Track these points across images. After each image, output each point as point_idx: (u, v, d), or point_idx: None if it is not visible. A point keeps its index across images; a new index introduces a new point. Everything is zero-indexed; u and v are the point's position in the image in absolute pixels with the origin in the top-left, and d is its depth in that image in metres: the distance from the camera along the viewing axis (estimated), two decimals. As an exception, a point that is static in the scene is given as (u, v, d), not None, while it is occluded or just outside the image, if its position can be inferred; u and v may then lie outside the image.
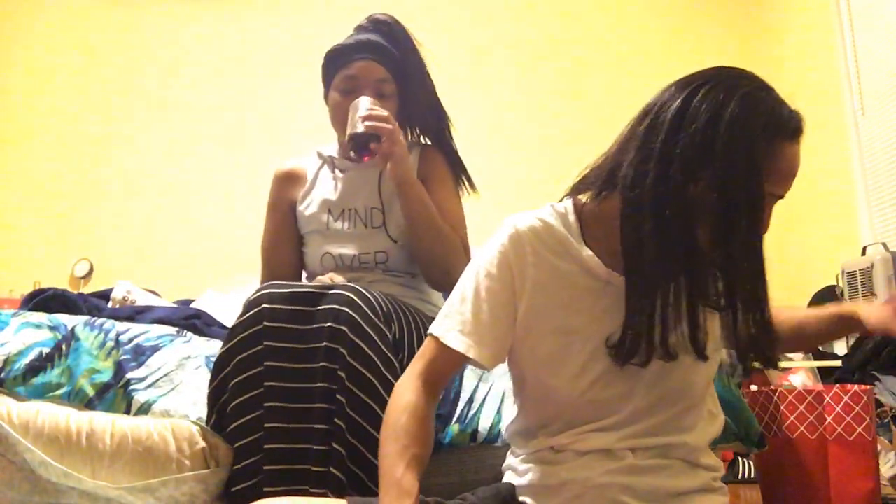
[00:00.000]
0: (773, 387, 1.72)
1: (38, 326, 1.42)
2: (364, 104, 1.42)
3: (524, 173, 3.98)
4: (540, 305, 0.98)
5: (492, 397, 1.38)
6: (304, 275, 1.63)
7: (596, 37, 4.19)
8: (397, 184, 1.43)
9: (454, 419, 1.34)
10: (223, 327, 1.61)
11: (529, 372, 1.02)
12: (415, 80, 1.57)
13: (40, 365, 1.36)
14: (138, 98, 4.23)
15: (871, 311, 1.06)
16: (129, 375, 1.37)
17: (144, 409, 1.33)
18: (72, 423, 1.17)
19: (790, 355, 2.76)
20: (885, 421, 2.03)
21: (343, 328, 1.15)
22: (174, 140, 4.18)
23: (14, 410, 1.16)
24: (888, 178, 3.05)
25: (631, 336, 0.91)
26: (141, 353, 1.42)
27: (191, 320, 1.62)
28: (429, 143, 1.63)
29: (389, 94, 1.53)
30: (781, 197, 0.93)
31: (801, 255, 3.51)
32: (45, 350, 1.38)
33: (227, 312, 1.60)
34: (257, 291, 1.24)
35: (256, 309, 1.20)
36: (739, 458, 2.28)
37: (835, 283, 3.06)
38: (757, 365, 0.97)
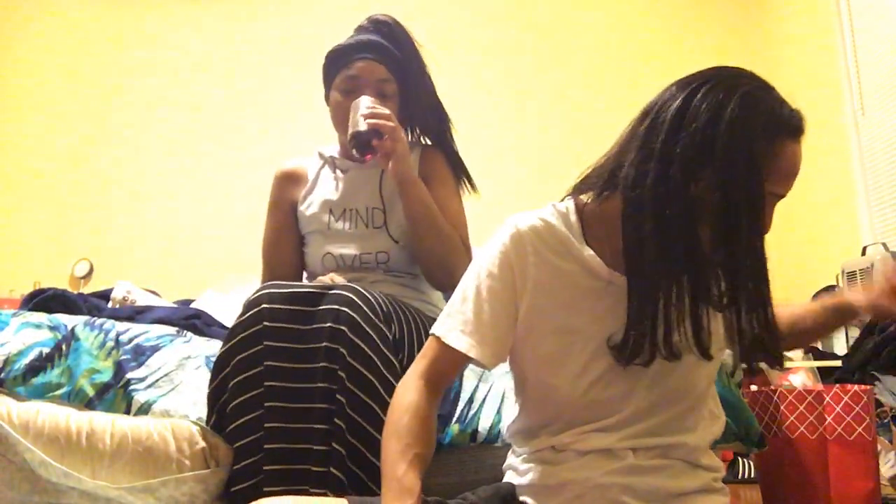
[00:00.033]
0: (773, 387, 1.72)
1: (38, 326, 1.42)
2: (365, 103, 1.42)
3: (525, 173, 3.98)
4: (541, 305, 0.98)
5: (492, 397, 1.38)
6: (305, 275, 1.63)
7: (597, 38, 4.19)
8: (399, 182, 1.43)
9: (454, 419, 1.34)
10: (223, 327, 1.61)
11: (530, 372, 1.02)
12: (416, 81, 1.57)
13: (40, 365, 1.36)
14: (138, 98, 4.23)
15: (861, 296, 1.07)
16: (129, 375, 1.37)
17: (144, 409, 1.33)
18: (72, 423, 1.17)
19: (789, 354, 2.76)
20: (885, 421, 2.03)
21: (343, 328, 1.15)
22: (174, 140, 4.18)
23: (14, 410, 1.16)
24: (888, 178, 3.05)
25: (634, 336, 0.91)
26: (141, 353, 1.42)
27: (191, 320, 1.62)
28: (429, 143, 1.63)
29: (390, 94, 1.53)
30: (783, 196, 0.93)
31: (801, 255, 3.52)
32: (45, 350, 1.38)
33: (227, 312, 1.59)
34: (257, 291, 1.24)
35: (256, 309, 1.20)
36: (739, 458, 2.28)
37: (835, 283, 3.06)
38: (763, 366, 0.97)
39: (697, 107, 0.88)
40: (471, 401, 1.37)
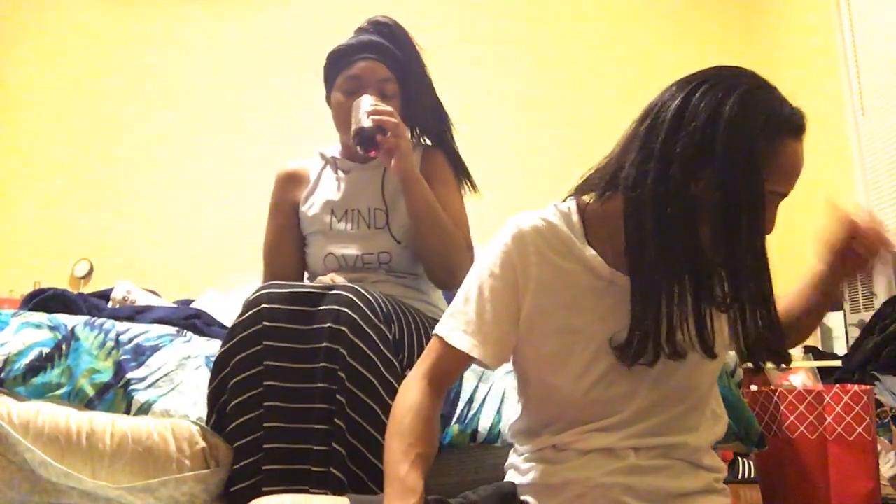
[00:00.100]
0: (773, 387, 1.72)
1: (38, 326, 1.42)
2: (367, 101, 1.42)
3: (525, 174, 3.98)
4: (543, 305, 0.98)
5: (492, 397, 1.38)
6: (306, 275, 1.63)
7: (598, 38, 4.19)
8: (402, 179, 1.43)
9: (454, 419, 1.34)
10: (223, 327, 1.61)
11: (532, 371, 1.02)
12: (416, 81, 1.57)
13: (40, 365, 1.36)
14: (138, 98, 4.23)
15: (822, 259, 1.05)
16: (129, 375, 1.37)
17: (144, 409, 1.33)
18: (72, 423, 1.17)
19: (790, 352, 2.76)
20: (885, 421, 2.03)
21: (343, 329, 1.15)
22: (174, 140, 4.18)
23: (14, 410, 1.16)
24: (888, 178, 3.05)
25: (638, 336, 0.91)
26: (141, 353, 1.42)
27: (191, 320, 1.62)
28: (430, 143, 1.63)
29: (392, 94, 1.53)
30: (785, 195, 0.93)
31: (802, 255, 3.51)
32: (45, 350, 1.38)
33: (227, 312, 1.59)
34: (257, 291, 1.24)
35: (256, 309, 1.20)
36: (739, 458, 2.28)
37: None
38: (770, 365, 0.97)
39: (696, 106, 0.88)
40: (471, 401, 1.37)
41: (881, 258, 1.01)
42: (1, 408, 1.16)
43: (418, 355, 1.03)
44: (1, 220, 4.12)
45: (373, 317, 1.18)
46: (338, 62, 1.55)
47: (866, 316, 2.50)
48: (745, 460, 2.27)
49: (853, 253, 1.02)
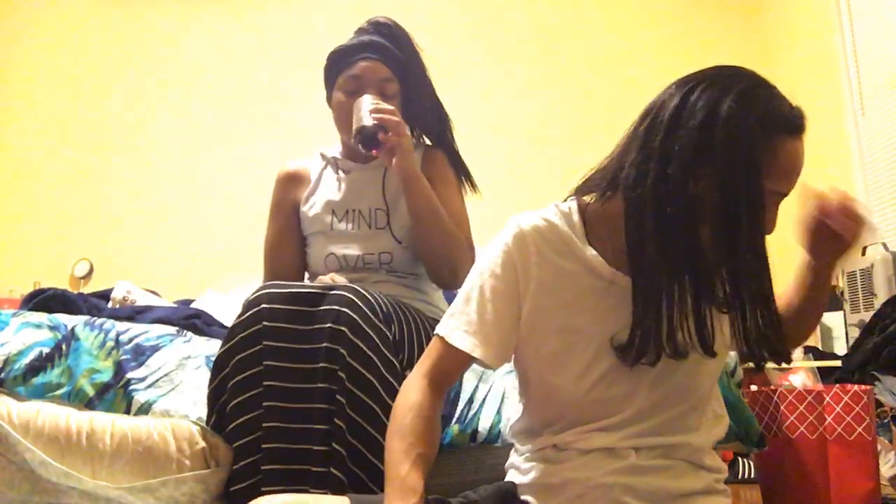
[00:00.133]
0: (773, 387, 1.72)
1: (38, 326, 1.42)
2: (368, 100, 1.43)
3: (525, 174, 3.98)
4: (544, 305, 0.98)
5: (492, 397, 1.38)
6: (307, 276, 1.63)
7: (597, 38, 4.19)
8: (403, 178, 1.43)
9: (454, 419, 1.34)
10: (223, 327, 1.61)
11: (533, 371, 1.02)
12: (416, 81, 1.57)
13: (40, 365, 1.36)
14: (137, 98, 4.22)
15: (801, 243, 1.04)
16: (129, 375, 1.37)
17: (144, 409, 1.33)
18: (72, 423, 1.17)
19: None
20: (885, 421, 2.03)
21: (343, 329, 1.15)
22: (174, 140, 4.18)
23: (14, 410, 1.16)
24: (888, 178, 3.05)
25: (640, 336, 0.91)
26: (141, 353, 1.42)
27: (191, 320, 1.62)
28: (430, 144, 1.64)
29: (392, 93, 1.54)
30: (785, 195, 0.92)
31: (802, 255, 3.51)
32: (45, 350, 1.38)
33: (227, 312, 1.59)
34: (256, 291, 1.24)
35: (256, 309, 1.20)
36: (739, 458, 2.28)
37: (835, 283, 3.06)
38: (771, 364, 0.97)
39: (695, 105, 0.88)
40: (471, 401, 1.37)
41: (883, 259, 1.01)
42: (1, 408, 1.16)
43: (418, 355, 1.03)
44: (1, 221, 4.12)
45: (373, 317, 1.19)
46: (338, 62, 1.56)
47: (866, 316, 2.50)
48: (745, 460, 2.27)
49: (833, 234, 1.01)
